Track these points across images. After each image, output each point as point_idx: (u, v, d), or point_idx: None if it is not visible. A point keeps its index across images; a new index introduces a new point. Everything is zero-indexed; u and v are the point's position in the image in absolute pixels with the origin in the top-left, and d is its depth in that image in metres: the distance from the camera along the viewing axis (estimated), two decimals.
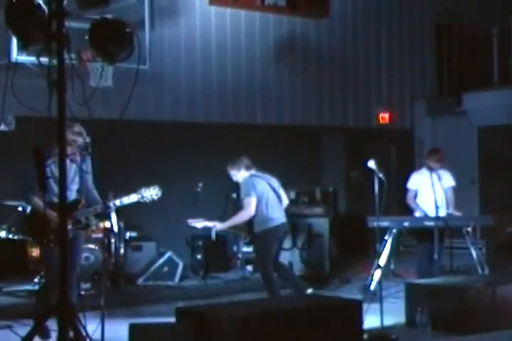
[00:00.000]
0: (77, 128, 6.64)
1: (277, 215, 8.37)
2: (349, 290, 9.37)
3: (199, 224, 8.49)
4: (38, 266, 8.41)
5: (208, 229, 10.89)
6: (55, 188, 6.86)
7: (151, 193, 7.18)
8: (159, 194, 7.22)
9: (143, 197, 7.13)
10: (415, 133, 14.84)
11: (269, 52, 12.84)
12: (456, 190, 9.50)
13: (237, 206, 8.50)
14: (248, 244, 10.21)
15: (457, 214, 9.31)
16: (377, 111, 14.23)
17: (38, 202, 6.94)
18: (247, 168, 8.32)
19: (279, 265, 8.50)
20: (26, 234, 7.32)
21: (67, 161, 6.27)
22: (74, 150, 6.55)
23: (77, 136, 6.65)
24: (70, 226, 6.64)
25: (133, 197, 7.10)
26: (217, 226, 8.36)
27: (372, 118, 14.18)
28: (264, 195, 8.29)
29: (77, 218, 6.79)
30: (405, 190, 9.50)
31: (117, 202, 7.08)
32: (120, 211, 9.68)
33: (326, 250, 10.67)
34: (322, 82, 13.54)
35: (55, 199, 6.88)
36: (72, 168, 6.73)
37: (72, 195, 6.75)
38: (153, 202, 7.24)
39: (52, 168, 6.71)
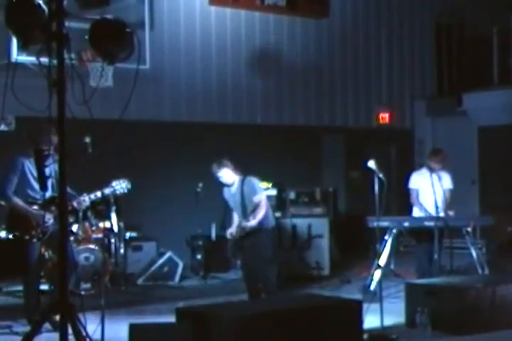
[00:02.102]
0: (53, 129, 6.88)
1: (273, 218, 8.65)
2: (349, 290, 9.36)
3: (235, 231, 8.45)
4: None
5: (208, 229, 10.94)
6: (34, 184, 7.08)
7: (122, 186, 7.51)
8: (129, 186, 7.56)
9: (115, 190, 7.43)
10: (415, 133, 14.85)
11: (268, 51, 12.84)
12: (456, 190, 9.49)
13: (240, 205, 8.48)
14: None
15: (450, 214, 9.29)
16: (377, 111, 14.24)
17: (18, 200, 7.12)
18: (236, 170, 8.38)
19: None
20: (9, 232, 7.52)
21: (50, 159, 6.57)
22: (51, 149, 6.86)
23: (54, 136, 6.83)
24: (51, 221, 6.86)
25: (105, 191, 7.42)
26: (248, 225, 8.27)
27: (372, 118, 14.19)
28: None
29: (56, 213, 6.89)
30: (407, 190, 9.49)
31: (92, 196, 7.36)
32: (120, 211, 9.76)
33: (326, 250, 10.67)
34: (322, 82, 13.55)
35: (33, 195, 7.11)
36: (49, 166, 6.93)
37: (48, 190, 6.94)
38: (124, 194, 7.62)
39: (30, 166, 7.06)
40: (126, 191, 7.53)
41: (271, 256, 8.34)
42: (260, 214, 8.20)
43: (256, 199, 8.24)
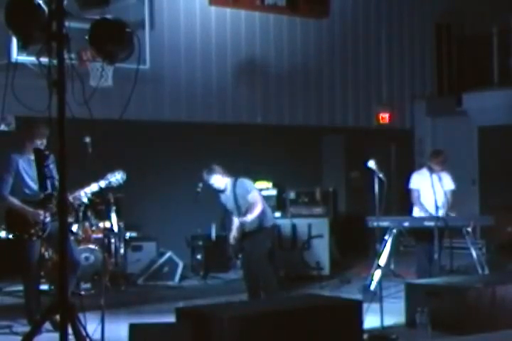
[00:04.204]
0: (44, 126, 6.88)
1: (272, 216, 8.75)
2: (349, 290, 9.36)
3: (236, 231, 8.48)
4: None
5: (208, 229, 10.94)
6: (30, 183, 7.08)
7: (117, 177, 7.44)
8: (124, 177, 7.46)
9: (110, 182, 7.41)
10: (415, 133, 14.85)
11: (269, 51, 12.84)
12: (456, 190, 9.49)
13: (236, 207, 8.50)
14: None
15: (452, 215, 9.30)
16: (377, 111, 14.23)
17: (13, 199, 7.13)
18: (227, 174, 8.42)
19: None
20: (8, 232, 7.53)
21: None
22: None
23: (45, 129, 6.96)
24: (48, 219, 6.88)
25: (101, 184, 7.36)
26: (245, 219, 8.33)
27: (372, 118, 14.18)
28: (260, 193, 8.54)
29: (54, 210, 6.89)
30: (408, 191, 9.49)
31: (87, 190, 7.30)
32: (120, 211, 9.76)
33: (326, 250, 10.67)
34: (322, 82, 13.55)
35: (30, 193, 7.11)
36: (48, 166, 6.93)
37: (48, 190, 6.99)
38: (120, 186, 7.56)
39: (24, 164, 6.97)
40: (121, 182, 7.46)
41: (268, 255, 8.37)
42: (257, 209, 8.23)
43: (251, 198, 8.28)
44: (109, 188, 7.66)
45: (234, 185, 8.35)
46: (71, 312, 4.40)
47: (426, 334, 6.72)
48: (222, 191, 8.45)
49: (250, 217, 8.25)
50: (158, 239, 10.75)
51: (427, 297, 7.02)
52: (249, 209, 8.27)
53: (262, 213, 8.34)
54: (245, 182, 8.40)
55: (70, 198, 7.18)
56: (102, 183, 7.36)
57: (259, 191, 8.64)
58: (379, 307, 7.00)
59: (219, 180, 8.38)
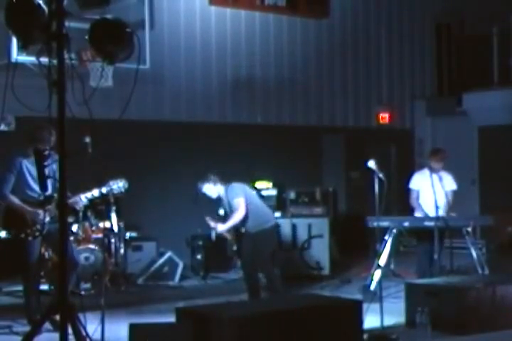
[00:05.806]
0: (49, 128, 6.89)
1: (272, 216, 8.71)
2: (349, 290, 9.36)
3: (213, 224, 8.59)
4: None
5: (208, 229, 10.93)
6: (32, 183, 7.08)
7: (119, 185, 7.49)
8: (126, 186, 7.53)
9: (112, 189, 7.45)
10: (415, 133, 14.85)
11: (269, 52, 12.85)
12: (456, 191, 9.49)
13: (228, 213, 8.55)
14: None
15: (452, 215, 9.30)
16: (377, 111, 14.23)
17: (13, 198, 7.14)
18: (221, 182, 8.41)
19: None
20: (5, 231, 7.53)
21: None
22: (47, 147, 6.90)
23: (52, 136, 6.92)
24: (47, 219, 6.88)
25: (102, 190, 7.40)
26: (218, 228, 8.46)
27: (372, 118, 14.19)
28: (251, 197, 8.49)
29: (53, 212, 6.89)
30: (407, 191, 9.49)
31: (88, 195, 7.33)
32: (120, 211, 9.76)
33: (326, 250, 10.67)
34: (322, 82, 13.55)
35: (31, 194, 7.11)
36: (49, 166, 6.93)
37: (48, 190, 7.02)
38: (122, 193, 7.66)
39: (28, 165, 7.06)
40: (123, 190, 7.51)
41: (268, 256, 8.39)
42: (235, 217, 8.26)
43: (235, 203, 8.28)
44: (109, 194, 7.70)
45: (226, 191, 8.36)
46: (71, 312, 4.40)
47: (426, 334, 6.72)
48: (219, 199, 8.48)
49: (220, 227, 8.46)
50: (158, 239, 10.75)
51: (427, 297, 7.02)
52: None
53: (260, 215, 8.35)
54: (235, 187, 8.38)
55: (69, 201, 7.17)
56: (104, 189, 7.40)
57: (247, 197, 8.39)
58: (379, 307, 6.99)
59: (210, 189, 8.41)
